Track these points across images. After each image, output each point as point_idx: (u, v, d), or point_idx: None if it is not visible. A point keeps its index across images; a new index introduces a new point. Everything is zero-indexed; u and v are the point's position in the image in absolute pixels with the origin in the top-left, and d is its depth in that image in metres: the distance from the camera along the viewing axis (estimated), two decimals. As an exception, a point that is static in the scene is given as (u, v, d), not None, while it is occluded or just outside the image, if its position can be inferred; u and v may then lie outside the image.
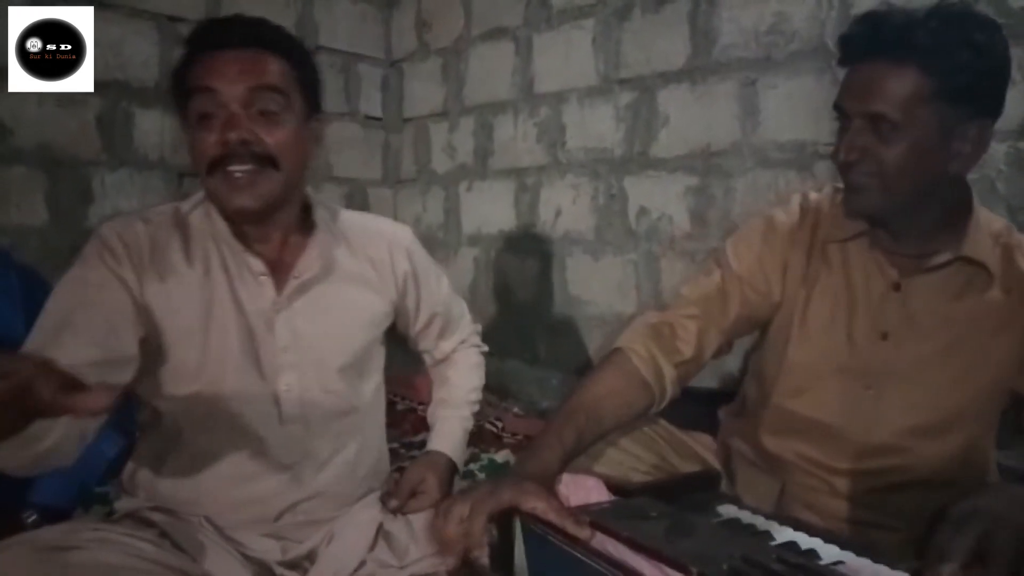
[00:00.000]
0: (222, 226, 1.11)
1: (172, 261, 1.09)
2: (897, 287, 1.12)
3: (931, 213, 1.08)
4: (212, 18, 1.13)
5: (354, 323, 1.20)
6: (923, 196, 1.05)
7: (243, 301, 1.11)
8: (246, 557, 1.09)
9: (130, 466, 1.17)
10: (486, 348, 1.48)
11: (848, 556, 0.84)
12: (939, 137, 1.00)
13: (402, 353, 1.48)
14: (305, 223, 1.18)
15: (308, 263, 1.14)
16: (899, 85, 0.99)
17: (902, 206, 1.06)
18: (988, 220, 1.13)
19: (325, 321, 1.16)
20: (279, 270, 1.13)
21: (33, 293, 1.33)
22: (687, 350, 1.15)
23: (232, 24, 1.09)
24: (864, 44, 1.03)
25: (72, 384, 0.65)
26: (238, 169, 1.04)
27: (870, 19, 1.03)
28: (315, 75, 1.14)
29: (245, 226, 1.12)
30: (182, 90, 1.07)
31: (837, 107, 1.07)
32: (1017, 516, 0.80)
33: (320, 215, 1.18)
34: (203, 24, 1.10)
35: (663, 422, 1.28)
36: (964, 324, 1.09)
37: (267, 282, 1.12)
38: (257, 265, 1.11)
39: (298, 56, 1.11)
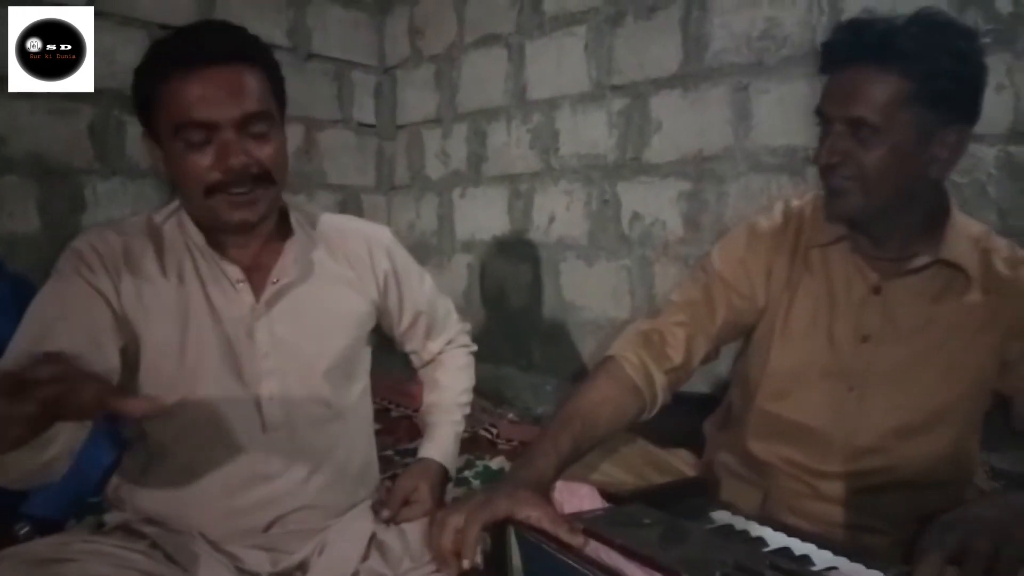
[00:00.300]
0: (196, 235, 1.11)
1: (147, 271, 1.09)
2: (877, 290, 1.14)
3: (910, 217, 1.10)
4: (180, 28, 1.07)
5: (336, 325, 1.19)
6: (902, 200, 1.07)
7: (220, 309, 1.11)
8: (239, 570, 1.08)
9: (114, 480, 1.16)
10: (475, 348, 1.47)
11: (841, 562, 0.84)
12: (918, 142, 1.03)
13: (396, 359, 1.47)
14: (281, 228, 1.17)
15: (285, 267, 1.14)
16: (880, 90, 1.01)
17: (882, 209, 1.08)
18: (966, 224, 1.15)
19: (306, 324, 1.15)
20: (256, 276, 1.13)
21: (24, 302, 1.32)
22: (676, 357, 1.17)
23: (206, 36, 1.05)
24: (846, 50, 1.05)
25: (108, 388, 0.67)
26: (238, 191, 1.04)
27: (853, 26, 1.05)
28: (279, 72, 1.12)
29: (231, 235, 1.11)
30: (151, 103, 1.04)
31: (819, 112, 1.09)
32: (1000, 521, 0.81)
33: (296, 218, 1.18)
34: (174, 36, 1.06)
35: (641, 441, 1.30)
36: (944, 326, 1.11)
37: (245, 288, 1.12)
38: (234, 272, 1.11)
39: (268, 61, 1.09)
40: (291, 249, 1.15)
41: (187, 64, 1.01)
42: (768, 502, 1.19)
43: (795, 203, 1.23)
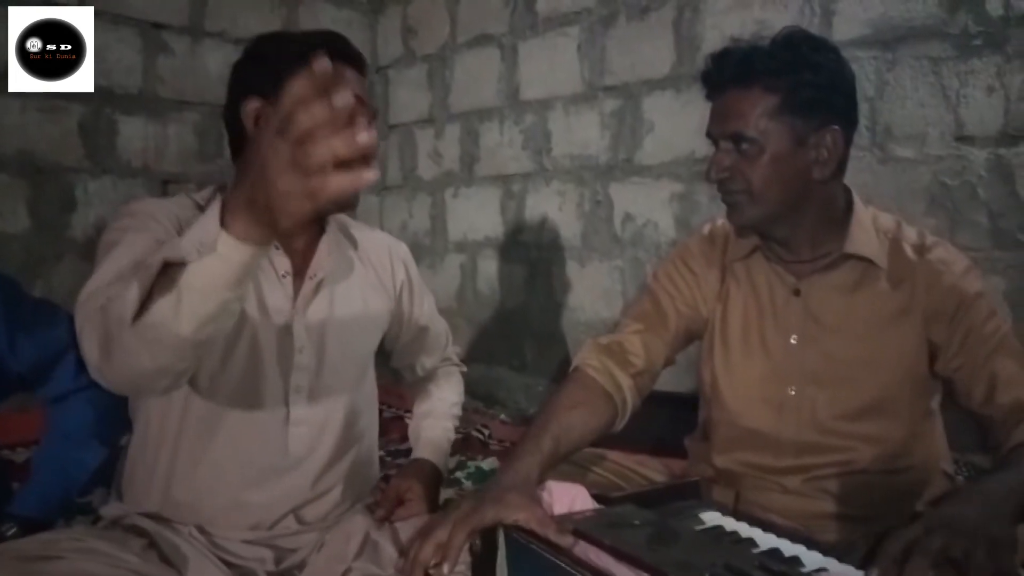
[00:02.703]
0: None
1: None
2: (797, 292, 1.20)
3: (809, 218, 1.16)
4: (322, 31, 1.17)
5: (363, 324, 1.22)
6: (795, 203, 1.14)
7: (267, 300, 1.11)
8: (234, 566, 1.08)
9: (125, 470, 1.16)
10: (464, 368, 1.52)
11: (831, 563, 0.84)
12: (795, 147, 1.11)
13: (387, 361, 1.48)
14: (316, 229, 1.18)
15: (321, 262, 1.16)
16: (748, 105, 1.10)
17: (776, 215, 1.15)
18: (876, 217, 1.21)
19: (338, 322, 1.17)
20: (296, 270, 1.14)
21: (12, 301, 1.31)
22: (638, 362, 1.22)
23: (351, 45, 1.15)
24: (717, 77, 1.15)
25: None
26: None
27: (720, 55, 1.16)
28: None
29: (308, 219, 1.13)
30: (287, 70, 1.00)
31: (708, 135, 1.17)
32: (961, 521, 0.84)
33: (328, 219, 1.20)
34: (322, 34, 1.14)
35: (611, 456, 1.34)
36: (864, 317, 1.17)
37: (288, 282, 1.13)
38: (283, 264, 1.12)
39: None
40: (326, 245, 1.17)
41: (333, 51, 1.05)
42: (740, 503, 1.22)
43: (719, 222, 1.31)
